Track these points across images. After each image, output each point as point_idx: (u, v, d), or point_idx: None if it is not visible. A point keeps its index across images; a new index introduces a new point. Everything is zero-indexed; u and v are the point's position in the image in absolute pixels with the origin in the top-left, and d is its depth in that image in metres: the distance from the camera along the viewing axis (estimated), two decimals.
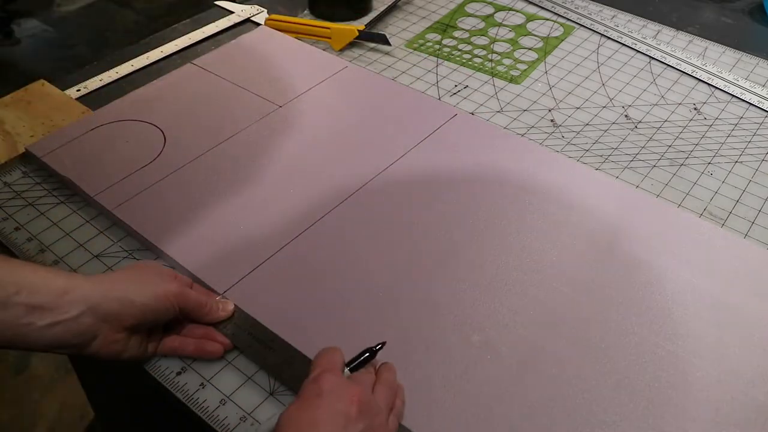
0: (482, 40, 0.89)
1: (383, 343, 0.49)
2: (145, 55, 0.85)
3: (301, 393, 0.43)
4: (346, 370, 0.47)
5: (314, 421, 0.41)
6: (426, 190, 0.65)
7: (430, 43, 0.88)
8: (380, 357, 0.49)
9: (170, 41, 0.87)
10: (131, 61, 0.84)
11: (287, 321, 0.53)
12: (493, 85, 0.81)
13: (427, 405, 0.48)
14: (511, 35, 0.90)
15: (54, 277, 0.47)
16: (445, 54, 0.87)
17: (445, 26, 0.92)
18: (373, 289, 0.55)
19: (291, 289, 0.56)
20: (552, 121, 0.76)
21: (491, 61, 0.85)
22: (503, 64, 0.85)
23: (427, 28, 0.92)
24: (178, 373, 0.51)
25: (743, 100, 0.79)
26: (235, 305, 0.54)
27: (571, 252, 0.59)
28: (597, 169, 0.69)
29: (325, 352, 0.47)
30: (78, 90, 0.79)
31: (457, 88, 0.80)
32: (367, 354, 0.48)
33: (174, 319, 0.52)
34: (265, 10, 0.94)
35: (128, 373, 0.48)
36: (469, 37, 0.90)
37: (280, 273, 0.57)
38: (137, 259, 0.58)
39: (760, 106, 0.78)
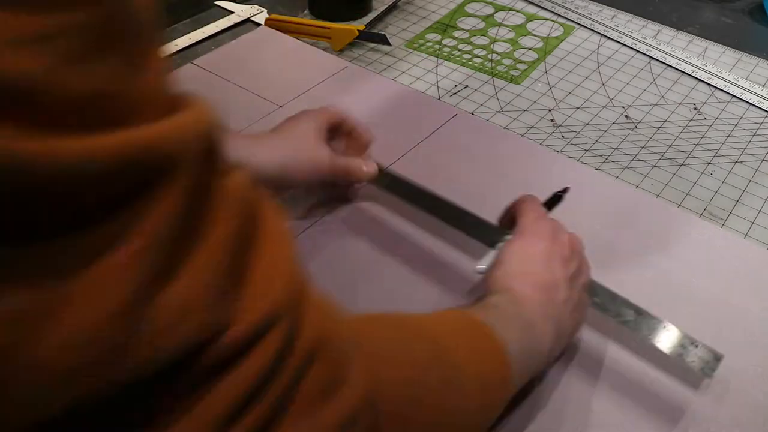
0: (482, 40, 0.89)
1: (568, 188, 0.56)
2: None
3: (521, 231, 0.49)
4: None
5: (537, 254, 0.47)
6: (427, 188, 0.64)
7: (430, 43, 0.88)
8: None
9: (170, 41, 0.87)
10: None
11: None
12: (493, 85, 0.81)
13: None
14: (511, 35, 0.90)
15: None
16: (445, 54, 0.87)
17: (445, 26, 0.92)
18: (373, 289, 0.55)
19: None
20: (552, 121, 0.76)
21: (491, 61, 0.85)
22: (503, 64, 0.85)
23: (427, 28, 0.92)
24: None
25: (743, 100, 0.79)
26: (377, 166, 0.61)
27: None
28: (597, 169, 0.69)
29: (532, 199, 0.52)
30: None
31: (457, 88, 0.80)
32: (557, 197, 0.55)
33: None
34: (265, 10, 0.93)
35: None
36: (469, 37, 0.90)
37: None
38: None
39: (760, 106, 0.78)
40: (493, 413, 0.41)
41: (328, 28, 0.86)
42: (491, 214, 0.62)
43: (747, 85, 0.81)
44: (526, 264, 0.47)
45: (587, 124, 0.75)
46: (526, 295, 0.45)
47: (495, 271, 0.47)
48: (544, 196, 0.63)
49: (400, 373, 0.34)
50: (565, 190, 0.56)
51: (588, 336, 0.52)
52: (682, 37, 0.90)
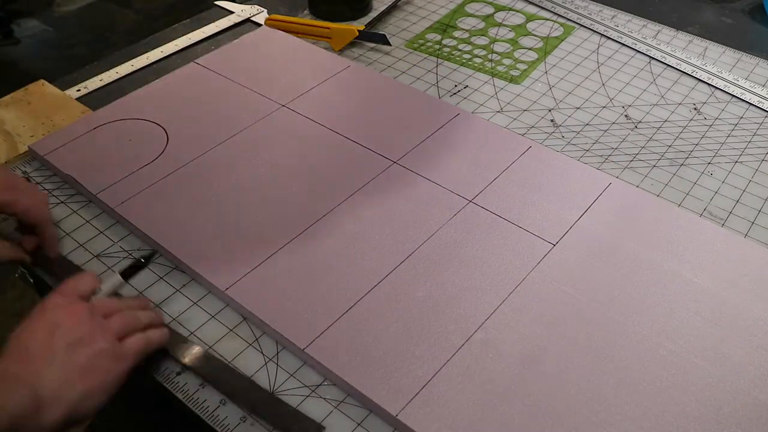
0: (482, 40, 0.89)
1: (154, 252, 0.57)
2: (145, 55, 0.85)
3: (32, 312, 0.48)
4: (114, 278, 0.53)
5: (32, 331, 0.46)
6: (428, 188, 0.65)
7: (430, 43, 0.89)
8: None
9: (170, 41, 0.87)
10: (131, 61, 0.84)
11: (286, 314, 0.53)
12: (493, 85, 0.81)
13: (429, 403, 0.48)
14: (511, 35, 0.90)
15: None
16: (445, 54, 0.87)
17: (445, 26, 0.92)
18: (376, 287, 0.55)
19: (293, 287, 0.56)
20: (552, 121, 0.76)
21: (491, 61, 0.85)
22: (503, 64, 0.85)
23: (427, 28, 0.92)
24: (178, 373, 0.51)
25: (743, 100, 0.79)
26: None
27: (572, 251, 0.59)
28: (597, 169, 0.69)
29: (73, 278, 0.52)
30: (78, 90, 0.79)
31: (457, 88, 0.80)
32: (139, 263, 0.55)
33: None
34: (265, 10, 0.94)
35: (128, 373, 0.49)
36: (469, 37, 0.90)
37: (282, 271, 0.57)
38: (137, 259, 0.57)
39: (760, 106, 0.78)
40: None
41: (328, 28, 0.86)
42: (493, 213, 0.62)
43: (747, 85, 0.81)
44: (19, 340, 0.46)
45: (587, 124, 0.75)
46: (3, 366, 0.44)
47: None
48: (545, 195, 0.64)
49: None
50: (151, 255, 0.56)
51: (588, 336, 0.52)
52: (682, 37, 0.90)
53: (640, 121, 0.76)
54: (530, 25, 0.92)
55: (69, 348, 0.46)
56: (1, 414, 0.42)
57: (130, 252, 0.60)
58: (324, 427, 0.48)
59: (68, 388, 0.45)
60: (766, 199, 0.67)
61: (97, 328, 0.48)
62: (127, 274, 0.55)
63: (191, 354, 0.52)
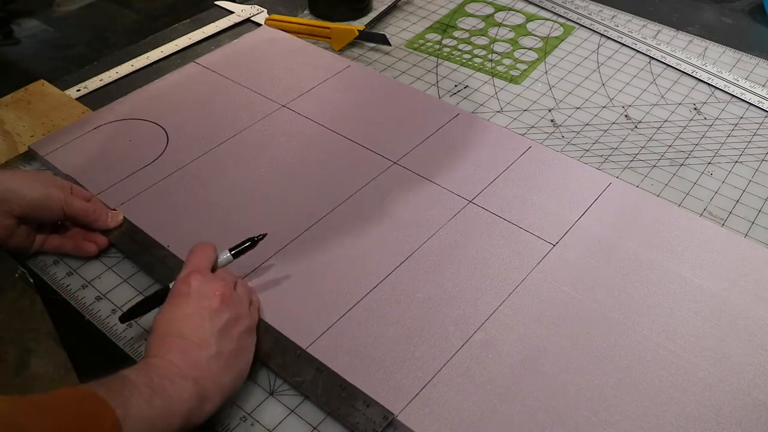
0: (482, 40, 0.89)
1: (264, 234, 0.55)
2: (145, 55, 0.85)
3: (172, 293, 0.50)
4: (226, 256, 0.54)
5: (183, 317, 0.47)
6: (428, 188, 0.65)
7: (430, 43, 0.89)
8: (383, 350, 0.49)
9: (170, 41, 0.87)
10: (131, 61, 0.84)
11: (286, 314, 0.53)
12: (493, 85, 0.81)
13: (429, 403, 0.48)
14: (511, 35, 0.90)
15: None
16: (445, 54, 0.87)
17: (445, 26, 0.92)
18: (376, 288, 0.55)
19: (293, 287, 0.56)
20: (552, 121, 0.76)
21: (491, 61, 0.85)
22: (503, 64, 0.85)
23: (427, 28, 0.92)
24: None
25: (743, 100, 0.79)
26: (124, 217, 0.61)
27: (572, 251, 0.59)
28: (597, 169, 0.69)
29: (196, 251, 0.52)
30: (78, 90, 0.79)
31: (457, 88, 0.80)
32: (249, 243, 0.54)
33: (62, 223, 0.60)
34: (265, 11, 0.94)
35: None
36: (469, 37, 0.90)
37: (282, 271, 0.57)
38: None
39: (760, 106, 0.78)
40: None
41: (328, 28, 0.86)
42: (493, 213, 0.62)
43: (747, 85, 0.81)
44: (172, 328, 0.47)
45: (587, 124, 0.75)
46: (165, 361, 0.45)
47: (149, 337, 0.47)
48: (545, 195, 0.64)
49: None
50: (261, 237, 0.55)
51: (588, 336, 0.52)
52: (682, 37, 0.90)
53: (640, 121, 0.76)
54: (530, 25, 0.92)
55: (222, 333, 0.47)
56: (176, 415, 0.43)
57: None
58: (393, 414, 0.47)
59: (225, 374, 0.47)
60: (766, 199, 0.67)
61: (238, 305, 0.50)
62: (237, 253, 0.55)
63: None
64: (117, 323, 0.54)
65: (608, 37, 0.90)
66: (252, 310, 0.52)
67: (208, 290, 0.49)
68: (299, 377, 0.50)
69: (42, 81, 0.79)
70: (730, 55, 0.87)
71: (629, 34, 0.90)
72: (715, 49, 0.88)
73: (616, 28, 0.91)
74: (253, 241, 0.55)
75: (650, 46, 0.87)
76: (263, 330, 0.53)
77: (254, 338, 0.51)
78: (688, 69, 0.83)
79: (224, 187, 0.65)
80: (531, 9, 0.96)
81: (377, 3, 0.96)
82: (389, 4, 0.95)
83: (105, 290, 0.57)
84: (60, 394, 0.40)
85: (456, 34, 0.90)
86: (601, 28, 0.91)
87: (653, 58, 0.86)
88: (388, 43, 0.86)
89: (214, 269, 0.53)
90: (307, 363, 0.50)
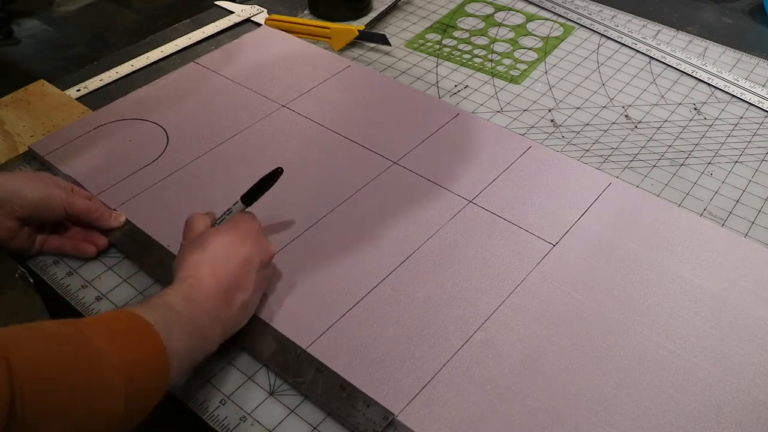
0: (482, 40, 0.89)
1: (280, 169, 0.54)
2: (145, 55, 0.85)
3: (232, 222, 0.52)
4: (237, 204, 0.54)
5: (235, 254, 0.49)
6: (428, 188, 0.65)
7: (430, 43, 0.89)
8: (385, 354, 0.49)
9: (170, 41, 0.87)
10: (131, 61, 0.84)
11: (286, 314, 0.53)
12: (493, 85, 0.81)
13: (429, 403, 0.48)
14: (511, 35, 0.90)
15: None
16: (445, 54, 0.87)
17: (445, 26, 0.92)
18: (376, 288, 0.55)
19: (293, 287, 0.56)
20: (552, 121, 0.76)
21: (491, 61, 0.85)
22: (503, 64, 0.85)
23: (427, 28, 0.92)
24: None
25: (743, 100, 0.79)
26: (126, 218, 0.61)
27: (572, 251, 0.59)
28: (597, 169, 0.69)
29: (191, 220, 0.53)
30: (78, 90, 0.79)
31: (457, 88, 0.80)
32: (261, 183, 0.54)
33: (62, 223, 0.60)
34: (265, 10, 0.94)
35: None
36: (469, 37, 0.90)
37: (282, 271, 0.57)
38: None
39: (760, 106, 0.78)
40: (146, 400, 0.42)
41: (328, 28, 0.86)
42: (493, 213, 0.62)
43: (747, 85, 0.81)
44: (222, 257, 0.49)
45: (587, 124, 0.75)
46: (206, 292, 0.47)
47: (193, 253, 0.49)
48: (545, 195, 0.64)
49: (35, 353, 0.37)
50: (277, 172, 0.55)
51: (588, 336, 0.52)
52: (682, 37, 0.90)
53: (640, 121, 0.76)
54: (530, 25, 0.92)
55: (256, 275, 0.50)
56: (202, 353, 0.47)
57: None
58: (393, 414, 0.47)
59: (246, 315, 0.51)
60: (766, 199, 0.67)
61: (267, 249, 0.52)
62: (249, 198, 0.55)
63: None
64: None
65: (608, 37, 0.90)
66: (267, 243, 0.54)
67: (263, 244, 0.52)
68: (299, 377, 0.50)
69: (42, 81, 0.79)
70: (730, 55, 0.87)
71: (629, 34, 0.90)
72: (715, 49, 0.88)
73: (616, 28, 0.91)
74: (266, 181, 0.55)
75: (650, 46, 0.87)
76: (263, 330, 0.53)
77: (266, 282, 0.54)
78: (688, 69, 0.83)
79: (224, 186, 0.65)
80: (531, 9, 0.96)
81: (377, 3, 0.96)
82: (389, 4, 0.95)
83: (105, 290, 0.57)
84: (107, 315, 0.43)
85: (456, 34, 0.90)
86: (601, 28, 0.91)
87: (653, 58, 0.86)
88: (388, 43, 0.86)
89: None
90: (307, 363, 0.50)
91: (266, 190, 0.55)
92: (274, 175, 0.55)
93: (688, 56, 0.85)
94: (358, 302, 0.54)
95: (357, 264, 0.57)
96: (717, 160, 0.71)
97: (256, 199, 0.55)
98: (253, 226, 0.53)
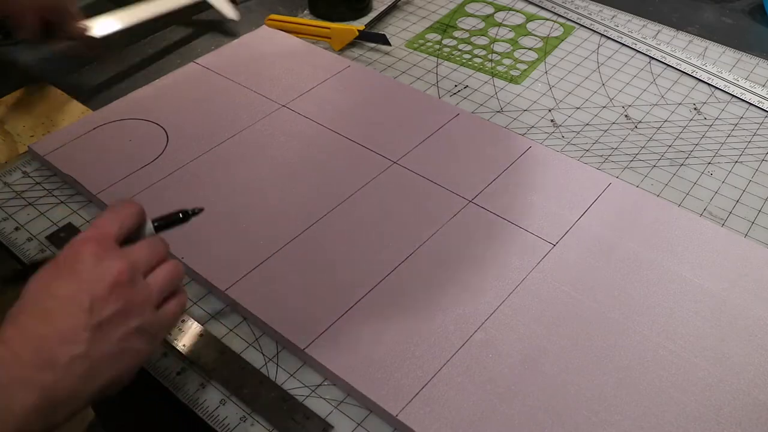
0: (482, 40, 0.89)
1: (201, 209, 0.46)
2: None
3: (59, 255, 0.40)
4: (149, 226, 0.43)
5: (56, 296, 0.38)
6: (428, 188, 0.65)
7: (430, 43, 0.88)
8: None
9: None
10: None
11: (286, 314, 0.53)
12: (493, 85, 0.81)
13: (429, 403, 0.48)
14: (511, 35, 0.90)
15: None
16: (445, 54, 0.87)
17: (445, 26, 0.92)
18: (376, 287, 0.55)
19: (293, 287, 0.56)
20: (552, 121, 0.76)
21: (491, 61, 0.85)
22: (503, 64, 0.85)
23: (427, 28, 0.92)
24: (178, 373, 0.51)
25: (743, 100, 0.79)
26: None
27: (572, 251, 0.59)
28: (597, 169, 0.69)
29: (106, 212, 0.42)
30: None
31: (457, 88, 0.80)
32: (180, 215, 0.44)
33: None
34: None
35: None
36: (469, 37, 0.90)
37: (282, 271, 0.57)
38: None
39: (760, 106, 0.78)
40: None
41: (328, 28, 0.86)
42: (493, 213, 0.62)
43: (747, 85, 0.81)
44: (37, 304, 0.38)
45: (587, 124, 0.75)
46: (9, 352, 0.36)
47: (17, 302, 0.38)
48: (545, 195, 0.64)
49: None
50: (197, 211, 0.47)
51: (588, 336, 0.52)
52: (682, 37, 0.90)
53: (640, 121, 0.76)
54: (530, 25, 0.92)
55: (99, 329, 0.38)
56: (6, 420, 0.35)
57: None
58: (332, 426, 0.48)
59: (90, 381, 0.38)
60: (766, 199, 0.67)
61: (136, 297, 0.40)
62: (161, 225, 0.45)
63: (195, 344, 0.52)
64: None
65: (608, 37, 0.90)
66: (165, 307, 0.42)
67: (100, 270, 0.39)
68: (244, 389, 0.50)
69: (42, 81, 0.79)
70: (730, 55, 0.87)
71: (629, 34, 0.90)
72: (715, 49, 0.88)
73: (616, 28, 0.91)
74: (186, 215, 0.46)
75: (650, 46, 0.87)
76: (263, 331, 0.53)
77: (150, 342, 0.41)
78: (688, 69, 0.83)
79: (224, 186, 0.65)
80: (531, 9, 0.96)
81: (377, 3, 0.96)
82: (389, 4, 0.95)
83: None
84: None
85: (456, 34, 0.90)
86: (601, 28, 0.91)
87: (653, 58, 0.86)
88: (388, 43, 0.86)
89: (131, 240, 0.43)
90: (250, 374, 0.50)
91: (184, 222, 0.47)
92: (194, 213, 0.47)
93: (688, 56, 0.85)
94: (358, 302, 0.54)
95: (357, 264, 0.57)
96: (717, 160, 0.71)
97: (168, 229, 0.47)
98: (93, 256, 0.40)
